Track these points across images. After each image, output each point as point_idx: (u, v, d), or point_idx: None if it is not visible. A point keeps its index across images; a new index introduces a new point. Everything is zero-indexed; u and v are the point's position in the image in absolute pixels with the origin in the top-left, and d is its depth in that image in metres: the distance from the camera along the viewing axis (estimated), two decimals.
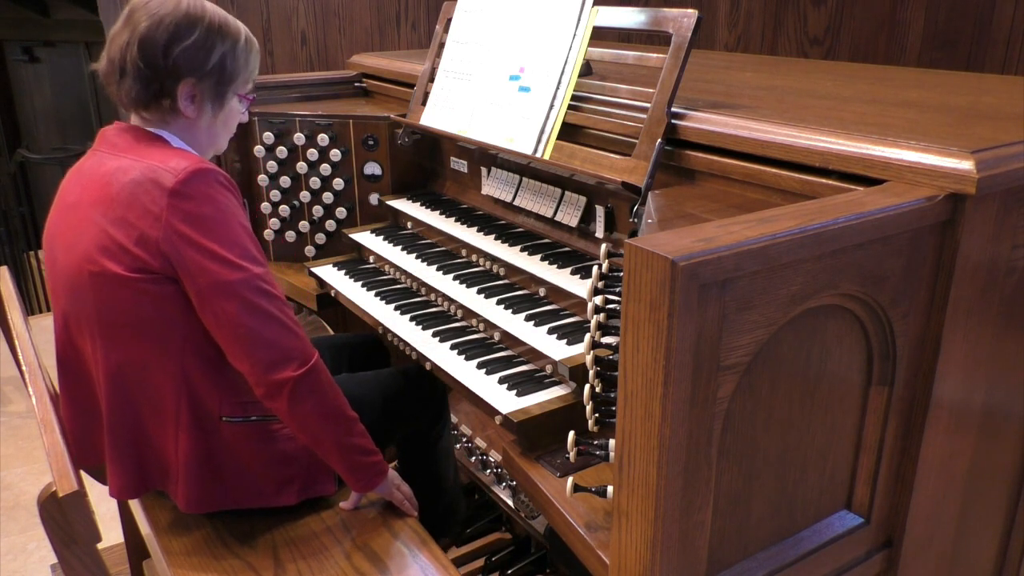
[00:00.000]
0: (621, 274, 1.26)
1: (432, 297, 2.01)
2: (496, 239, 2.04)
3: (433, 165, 2.49)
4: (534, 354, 1.66)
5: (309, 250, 2.49)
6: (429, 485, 2.10)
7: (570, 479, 1.31)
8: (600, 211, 1.85)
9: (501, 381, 1.62)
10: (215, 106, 1.58)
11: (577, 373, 1.52)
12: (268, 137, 2.40)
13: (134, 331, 1.47)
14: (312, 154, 2.41)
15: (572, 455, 1.33)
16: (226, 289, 1.43)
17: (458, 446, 2.30)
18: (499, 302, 1.84)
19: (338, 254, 2.41)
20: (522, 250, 1.96)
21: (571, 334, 1.65)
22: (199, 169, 1.44)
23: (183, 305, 1.46)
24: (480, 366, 1.69)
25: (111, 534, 2.47)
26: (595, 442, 1.32)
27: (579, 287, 1.74)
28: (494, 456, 2.17)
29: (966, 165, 1.16)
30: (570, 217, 1.92)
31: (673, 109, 1.58)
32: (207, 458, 1.54)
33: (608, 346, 1.30)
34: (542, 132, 1.83)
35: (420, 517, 1.80)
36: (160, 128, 1.56)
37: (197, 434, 1.52)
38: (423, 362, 1.78)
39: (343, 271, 2.25)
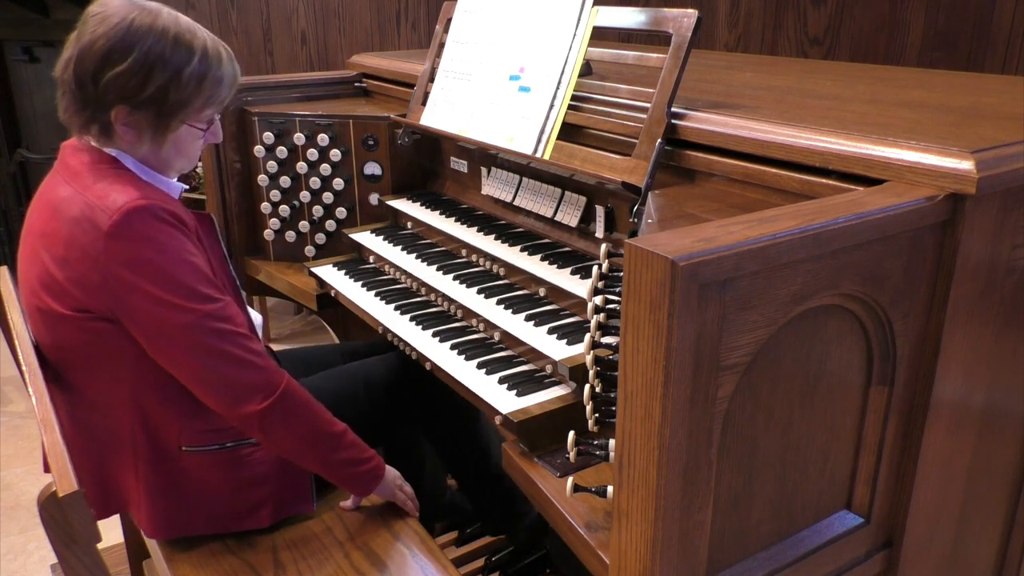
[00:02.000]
0: (621, 274, 1.26)
1: (432, 297, 2.01)
2: (496, 239, 2.04)
3: (433, 165, 2.49)
4: (534, 354, 1.66)
5: (309, 250, 2.49)
6: (414, 467, 2.10)
7: (570, 479, 1.31)
8: (600, 211, 1.85)
9: (501, 381, 1.62)
10: (156, 134, 1.46)
11: (577, 373, 1.52)
12: (268, 137, 2.40)
13: (83, 365, 1.45)
14: (312, 154, 2.41)
15: (572, 455, 1.33)
16: (174, 334, 1.37)
17: None
18: (499, 302, 1.84)
19: (338, 254, 2.41)
20: (522, 250, 1.96)
21: (571, 334, 1.65)
22: (135, 208, 1.35)
23: (130, 340, 1.41)
24: (480, 366, 1.69)
25: (111, 534, 2.47)
26: (595, 442, 1.31)
27: (579, 287, 1.74)
28: None
29: (966, 165, 1.16)
30: (570, 217, 1.92)
31: (673, 109, 1.58)
32: (168, 487, 1.52)
33: (608, 346, 1.30)
34: (542, 132, 1.83)
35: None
36: (110, 147, 1.47)
37: (156, 464, 1.50)
38: (423, 362, 1.78)
39: (343, 271, 2.25)
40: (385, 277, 2.19)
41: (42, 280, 1.42)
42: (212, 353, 1.38)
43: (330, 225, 2.47)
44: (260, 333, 1.71)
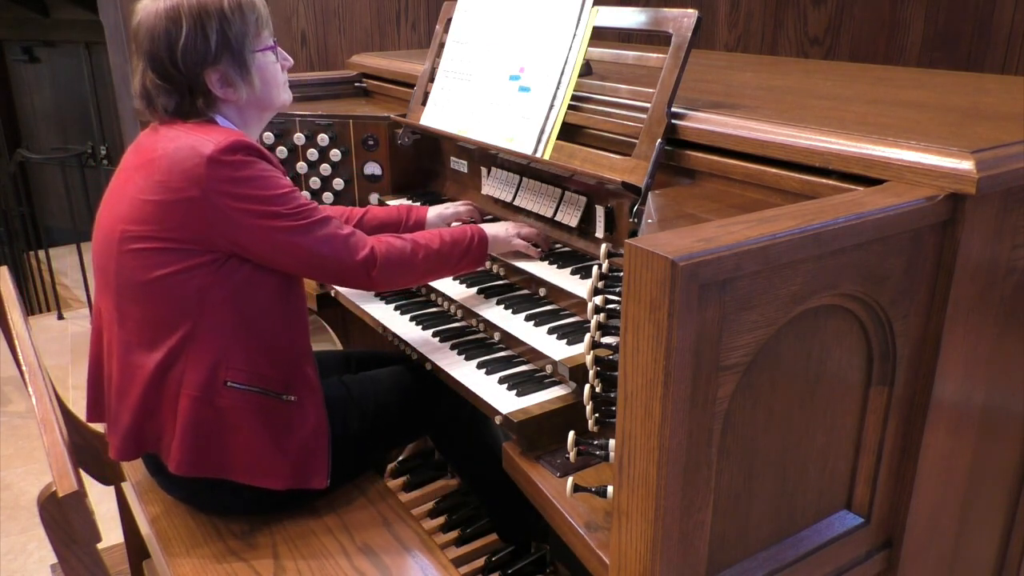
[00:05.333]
0: (621, 274, 1.26)
1: (432, 297, 2.01)
2: None
3: (433, 165, 2.49)
4: (534, 354, 1.66)
5: None
6: (471, 482, 2.10)
7: (570, 479, 1.31)
8: (600, 211, 1.85)
9: (501, 381, 1.62)
10: (244, 76, 1.59)
11: (577, 373, 1.52)
12: (268, 137, 2.40)
13: (150, 295, 1.52)
14: (312, 154, 2.41)
15: (572, 455, 1.33)
16: (277, 238, 1.51)
17: None
18: (499, 302, 1.84)
19: None
20: None
21: (571, 334, 1.65)
22: (238, 140, 1.51)
23: (199, 271, 1.50)
24: (480, 366, 1.69)
25: (111, 534, 2.47)
26: (595, 442, 1.32)
27: (579, 287, 1.74)
28: None
29: (966, 165, 1.16)
30: (570, 217, 1.92)
31: (673, 109, 1.58)
32: (203, 423, 1.55)
33: (608, 346, 1.30)
34: (542, 132, 1.83)
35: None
36: (216, 114, 1.62)
37: (198, 399, 1.53)
38: (423, 362, 1.78)
39: None
40: None
41: (133, 206, 1.52)
42: (314, 243, 1.56)
43: None
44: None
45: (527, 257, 1.92)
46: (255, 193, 1.50)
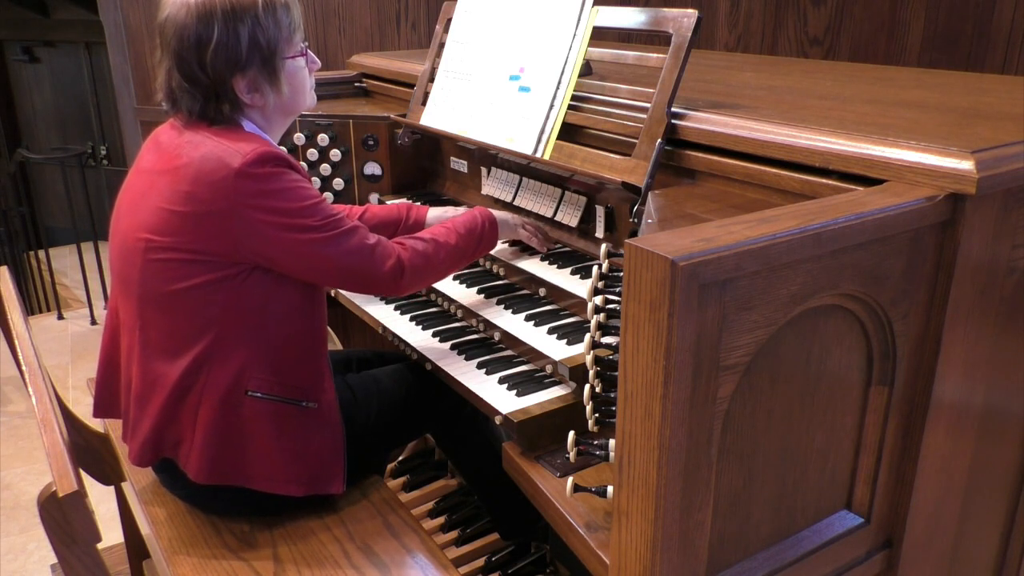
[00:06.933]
0: (621, 274, 1.26)
1: (432, 297, 2.01)
2: None
3: (433, 165, 2.49)
4: (534, 354, 1.66)
5: None
6: (472, 481, 2.11)
7: (570, 479, 1.31)
8: (600, 211, 1.85)
9: (501, 381, 1.62)
10: (272, 83, 1.55)
11: (577, 373, 1.52)
12: None
13: (171, 305, 1.50)
14: (312, 154, 2.41)
15: (572, 455, 1.33)
16: (306, 252, 1.49)
17: None
18: (499, 302, 1.84)
19: None
20: (522, 250, 1.96)
21: (571, 334, 1.65)
22: (266, 151, 1.47)
23: (226, 285, 1.49)
24: (480, 366, 1.69)
25: (111, 534, 2.47)
26: (595, 442, 1.32)
27: (579, 287, 1.74)
28: None
29: (966, 165, 1.16)
30: (570, 217, 1.92)
31: (673, 109, 1.58)
32: (223, 432, 1.54)
33: (608, 346, 1.30)
34: (542, 132, 1.83)
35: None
36: (241, 118, 1.58)
37: (218, 408, 1.53)
38: (423, 362, 1.78)
39: None
40: None
41: (157, 215, 1.49)
42: (343, 255, 1.54)
43: None
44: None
45: (527, 257, 1.91)
46: (284, 206, 1.47)
